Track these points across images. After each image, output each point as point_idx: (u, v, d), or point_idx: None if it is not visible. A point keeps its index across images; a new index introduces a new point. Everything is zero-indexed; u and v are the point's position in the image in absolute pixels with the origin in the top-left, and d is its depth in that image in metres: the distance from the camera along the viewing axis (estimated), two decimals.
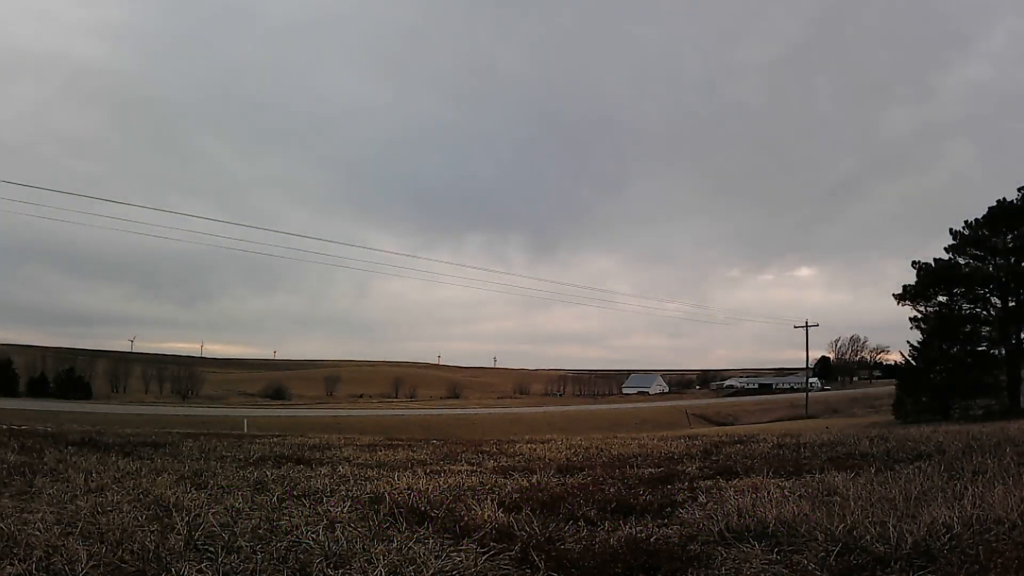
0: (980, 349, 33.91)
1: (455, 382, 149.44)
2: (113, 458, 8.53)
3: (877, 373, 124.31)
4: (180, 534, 4.23)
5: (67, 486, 6.16)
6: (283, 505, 5.41)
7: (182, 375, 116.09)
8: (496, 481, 6.91)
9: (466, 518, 4.85)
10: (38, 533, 4.14)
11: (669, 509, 5.27)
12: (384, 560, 3.71)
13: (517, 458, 9.69)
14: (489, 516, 4.89)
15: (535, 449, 11.12)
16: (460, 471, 7.92)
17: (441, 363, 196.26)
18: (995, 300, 33.71)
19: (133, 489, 6.04)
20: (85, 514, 4.81)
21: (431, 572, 3.59)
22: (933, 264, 34.40)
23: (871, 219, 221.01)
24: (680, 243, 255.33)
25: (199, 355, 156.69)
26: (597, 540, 4.33)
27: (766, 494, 5.50)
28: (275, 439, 13.94)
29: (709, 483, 6.63)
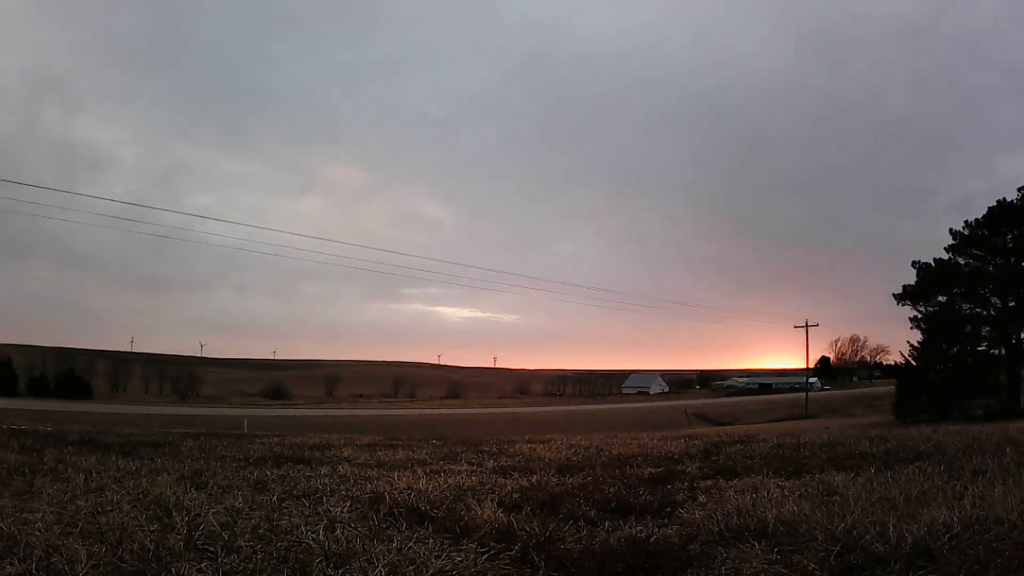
0: (980, 349, 33.92)
1: (455, 382, 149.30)
2: (113, 458, 8.53)
3: (877, 373, 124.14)
4: (180, 534, 4.23)
5: (67, 486, 6.16)
6: (283, 505, 5.40)
7: (182, 375, 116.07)
8: (496, 481, 6.91)
9: (466, 518, 4.85)
10: (38, 533, 4.14)
11: (669, 509, 5.27)
12: (384, 560, 3.71)
13: (517, 458, 9.69)
14: (489, 516, 4.89)
15: (535, 449, 11.12)
16: (460, 471, 7.91)
17: (441, 363, 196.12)
18: (995, 300, 33.70)
19: (133, 489, 6.04)
20: (85, 514, 4.81)
21: (431, 572, 3.59)
22: (933, 264, 34.42)
23: None
24: None
25: (199, 355, 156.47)
26: (597, 540, 4.33)
27: (766, 494, 5.51)
28: (275, 439, 13.94)
29: (709, 483, 6.64)
